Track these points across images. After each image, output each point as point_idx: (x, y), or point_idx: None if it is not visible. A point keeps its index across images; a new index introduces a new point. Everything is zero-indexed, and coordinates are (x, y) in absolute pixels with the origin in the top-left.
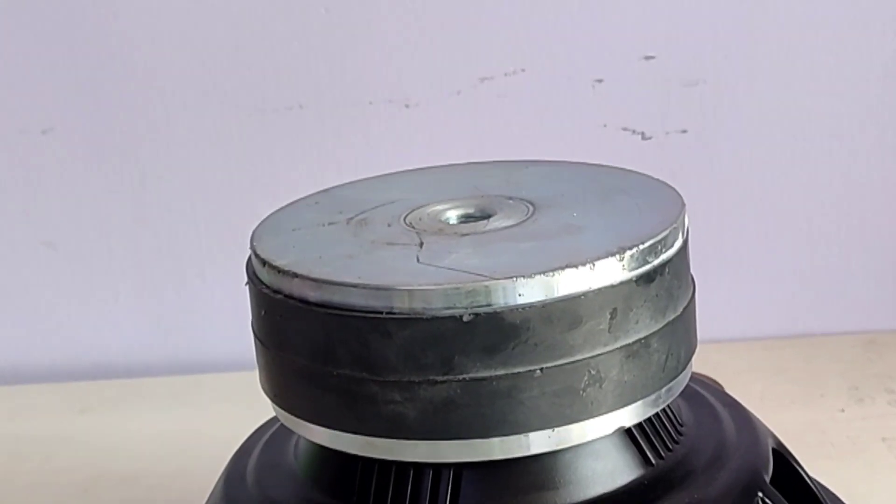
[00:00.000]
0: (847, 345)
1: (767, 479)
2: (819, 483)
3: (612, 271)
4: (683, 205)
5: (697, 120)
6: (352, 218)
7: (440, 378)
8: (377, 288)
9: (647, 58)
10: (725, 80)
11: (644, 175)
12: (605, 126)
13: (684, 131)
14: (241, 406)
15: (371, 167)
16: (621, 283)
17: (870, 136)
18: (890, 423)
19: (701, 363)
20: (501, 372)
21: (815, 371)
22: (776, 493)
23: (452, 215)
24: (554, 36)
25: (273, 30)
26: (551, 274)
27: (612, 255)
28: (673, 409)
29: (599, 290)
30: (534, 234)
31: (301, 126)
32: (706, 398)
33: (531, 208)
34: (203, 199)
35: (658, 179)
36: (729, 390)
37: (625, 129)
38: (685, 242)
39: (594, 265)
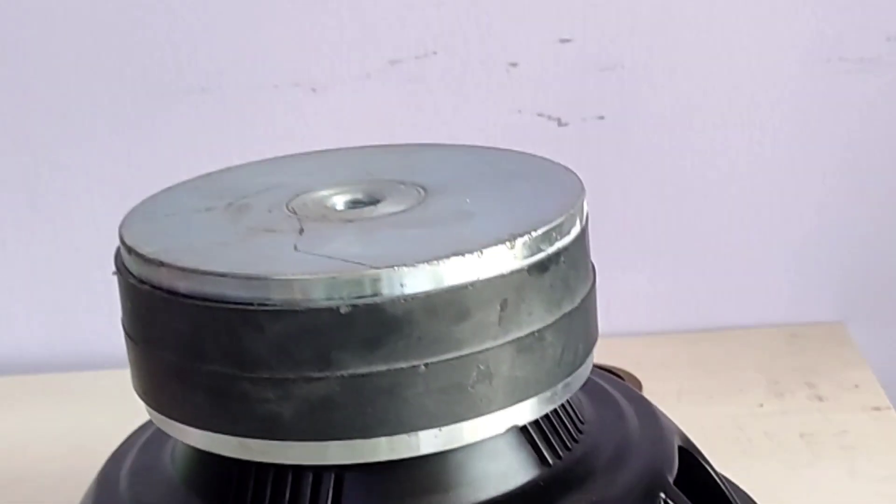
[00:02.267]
0: (768, 338)
1: (671, 478)
2: (729, 481)
3: (502, 260)
4: (583, 190)
5: (615, 106)
6: (232, 203)
7: (317, 375)
8: (248, 277)
9: (563, 41)
10: (644, 64)
11: (545, 159)
12: (520, 112)
13: (601, 118)
14: (140, 403)
15: (277, 153)
16: (512, 273)
17: (788, 123)
18: (809, 419)
19: (618, 357)
20: (383, 368)
21: (734, 365)
22: (680, 493)
23: (339, 201)
24: (467, 18)
25: (174, 10)
26: (436, 262)
27: (503, 242)
28: (573, 406)
29: (488, 279)
30: (422, 221)
31: (204, 110)
32: (610, 393)
33: (423, 193)
34: (100, 187)
35: (559, 164)
36: (646, 384)
37: (540, 114)
38: (584, 230)
39: (482, 253)
